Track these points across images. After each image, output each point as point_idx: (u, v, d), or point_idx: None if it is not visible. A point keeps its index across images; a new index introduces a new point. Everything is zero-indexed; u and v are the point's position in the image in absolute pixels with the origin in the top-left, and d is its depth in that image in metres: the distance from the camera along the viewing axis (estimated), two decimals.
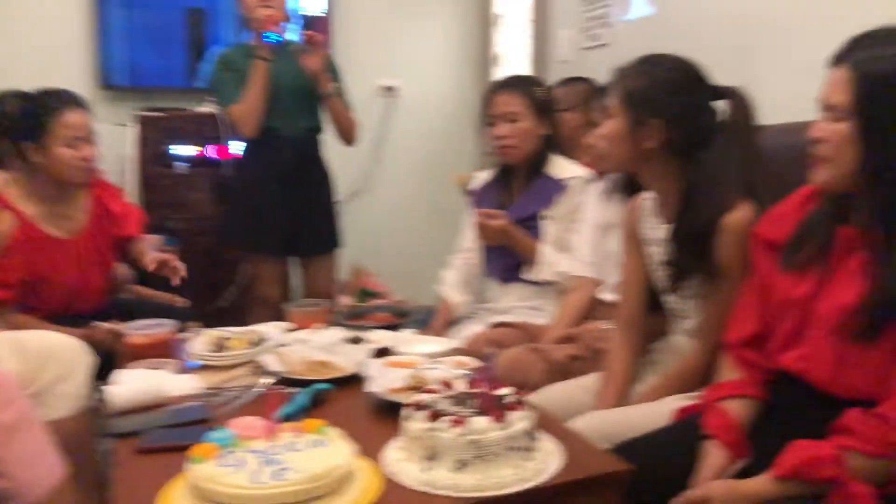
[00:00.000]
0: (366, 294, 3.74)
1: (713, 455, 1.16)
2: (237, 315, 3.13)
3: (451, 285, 2.19)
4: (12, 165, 2.06)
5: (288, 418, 1.30)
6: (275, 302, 2.73)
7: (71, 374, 1.74)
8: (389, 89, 3.92)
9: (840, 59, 1.11)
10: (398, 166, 4.00)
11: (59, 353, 1.72)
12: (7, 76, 2.83)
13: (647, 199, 1.54)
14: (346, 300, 3.61)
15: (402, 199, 4.03)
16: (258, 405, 1.49)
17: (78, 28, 3.38)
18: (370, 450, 1.17)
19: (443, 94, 4.04)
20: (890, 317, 1.00)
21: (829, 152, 1.09)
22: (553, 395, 1.55)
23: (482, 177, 2.28)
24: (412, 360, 1.64)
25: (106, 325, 1.97)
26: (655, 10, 2.60)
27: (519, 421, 1.08)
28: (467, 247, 2.25)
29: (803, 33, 2.01)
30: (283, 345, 1.82)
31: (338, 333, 1.88)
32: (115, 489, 1.20)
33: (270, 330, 1.93)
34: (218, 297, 3.23)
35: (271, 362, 1.67)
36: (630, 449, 1.19)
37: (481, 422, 1.06)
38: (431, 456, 1.07)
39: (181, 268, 2.20)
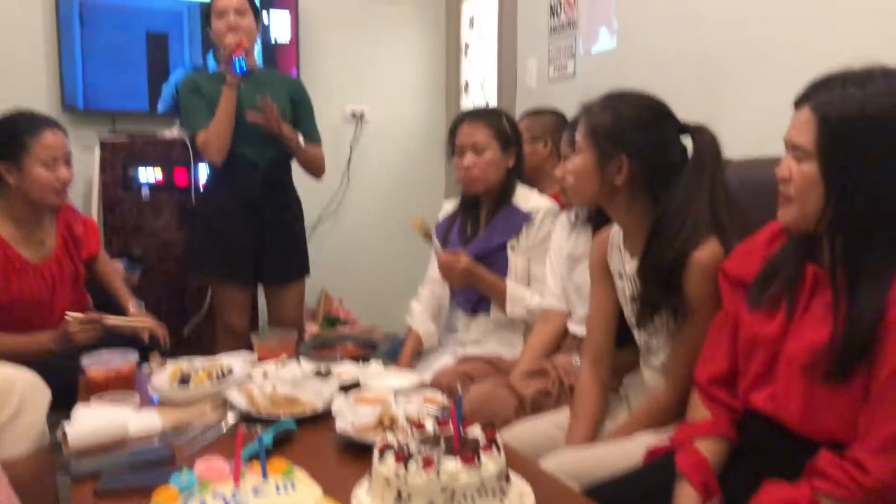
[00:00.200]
0: (332, 321, 3.72)
1: (685, 495, 1.15)
2: (202, 343, 3.09)
3: (419, 316, 2.17)
4: None
5: (253, 458, 1.27)
6: (240, 330, 2.69)
7: (28, 410, 1.69)
8: (357, 115, 3.93)
9: (803, 100, 1.13)
10: (365, 192, 3.99)
11: (15, 389, 1.67)
12: None
13: (615, 231, 1.55)
14: (312, 327, 3.59)
15: (370, 225, 4.03)
16: (223, 444, 1.46)
17: (41, 51, 3.33)
18: (338, 491, 1.14)
19: (410, 121, 4.06)
20: (857, 358, 1.01)
21: (795, 192, 1.11)
22: (524, 431, 1.54)
23: (448, 207, 2.28)
24: (381, 396, 1.62)
25: (79, 314, 1.93)
26: (619, 44, 2.64)
27: (491, 463, 1.07)
28: (434, 277, 2.24)
29: (763, 69, 2.06)
30: (248, 378, 1.79)
31: (305, 366, 1.85)
32: None
33: (235, 362, 1.89)
34: (182, 325, 3.17)
35: (236, 398, 1.63)
36: (602, 491, 1.19)
37: (453, 464, 1.04)
38: (402, 499, 1.05)
39: (162, 335, 2.22)
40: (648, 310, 1.41)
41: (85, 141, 3.21)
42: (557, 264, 1.93)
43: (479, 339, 2.07)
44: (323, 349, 2.09)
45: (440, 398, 1.63)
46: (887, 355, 0.99)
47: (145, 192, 3.21)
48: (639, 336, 1.51)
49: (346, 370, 1.88)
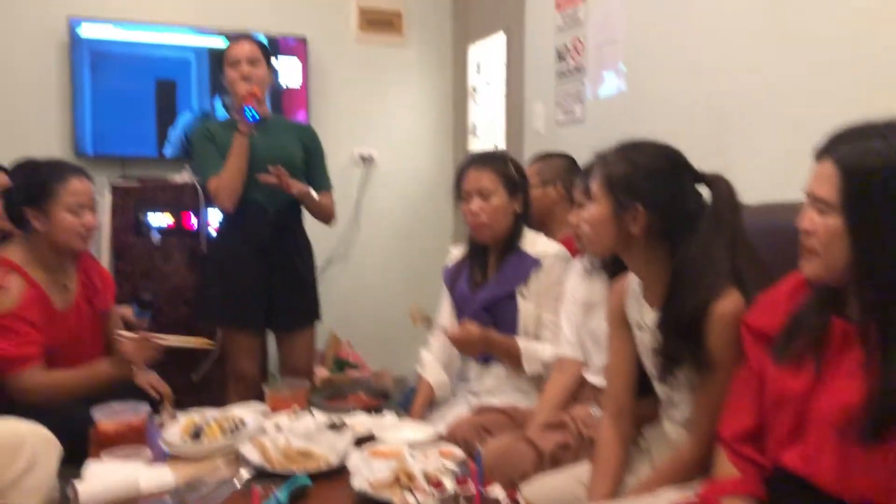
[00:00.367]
0: (341, 364, 3.69)
1: None
2: (211, 388, 3.06)
3: (430, 366, 2.14)
4: (15, 232, 2.07)
5: None
6: (251, 375, 2.67)
7: (39, 466, 1.67)
8: (366, 158, 3.95)
9: (824, 152, 1.13)
10: (374, 235, 4.00)
11: (27, 444, 1.65)
12: None
13: (632, 281, 1.54)
14: (321, 370, 3.56)
15: (378, 268, 4.03)
16: (236, 500, 1.44)
17: (54, 98, 3.37)
18: None
19: (418, 164, 4.08)
20: (894, 419, 0.98)
21: (818, 245, 1.10)
22: (544, 487, 1.50)
23: (455, 253, 2.27)
24: (396, 449, 1.59)
25: (131, 333, 1.95)
26: (628, 88, 2.66)
27: None
28: (445, 325, 2.22)
29: (774, 113, 2.06)
30: (261, 431, 1.77)
31: (318, 418, 1.83)
32: None
33: (248, 413, 1.87)
34: (191, 370, 3.15)
35: (250, 452, 1.61)
36: None
37: None
38: None
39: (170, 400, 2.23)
40: (670, 363, 1.38)
41: (95, 186, 3.22)
42: (572, 312, 1.91)
43: (493, 388, 2.04)
44: (335, 399, 2.07)
45: (457, 452, 1.60)
46: None
47: (156, 236, 3.22)
48: (660, 388, 1.49)
49: (360, 422, 1.86)
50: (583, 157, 2.54)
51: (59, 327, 2.07)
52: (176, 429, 1.76)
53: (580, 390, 1.87)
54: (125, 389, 2.11)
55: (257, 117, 2.47)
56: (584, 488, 1.49)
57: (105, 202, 3.13)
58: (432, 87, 4.09)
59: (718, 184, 1.42)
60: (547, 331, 2.04)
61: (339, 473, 1.53)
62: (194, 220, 3.27)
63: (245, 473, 1.55)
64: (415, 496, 1.13)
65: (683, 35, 2.38)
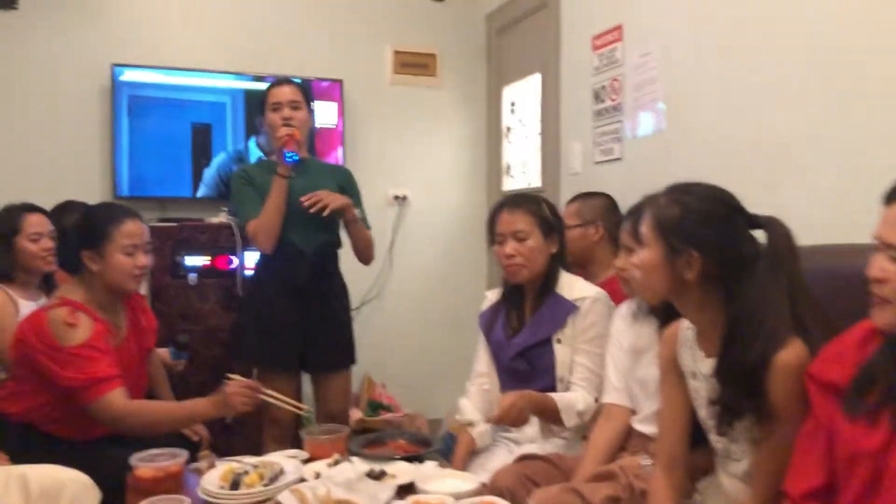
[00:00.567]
0: (375, 406, 3.64)
1: None
2: (246, 430, 3.03)
3: (470, 415, 2.08)
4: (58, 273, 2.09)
5: None
6: (286, 418, 2.63)
7: None
8: (400, 199, 3.95)
9: (895, 196, 1.08)
10: (408, 276, 3.98)
11: (66, 491, 1.64)
12: (27, 188, 2.86)
13: (685, 328, 1.49)
14: (355, 413, 3.51)
15: (412, 309, 4.00)
16: None
17: (94, 141, 3.44)
18: None
19: (452, 204, 4.08)
20: None
21: (892, 294, 1.05)
22: None
23: (491, 297, 2.23)
24: (440, 500, 1.54)
25: (240, 378, 1.96)
26: (668, 126, 2.63)
27: None
28: (481, 371, 2.17)
29: (827, 151, 2.01)
30: (301, 480, 1.73)
31: (358, 467, 1.78)
32: None
33: (286, 461, 1.83)
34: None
35: (289, 502, 1.57)
36: None
37: None
38: None
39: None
40: (729, 415, 1.32)
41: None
42: (619, 358, 1.85)
43: (535, 437, 1.98)
44: (374, 446, 2.02)
45: None
46: None
47: (192, 277, 3.23)
48: (716, 440, 1.43)
49: (401, 470, 1.82)
50: (622, 197, 2.53)
51: (116, 363, 2.07)
52: (214, 476, 1.73)
53: (628, 439, 1.80)
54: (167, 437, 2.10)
55: (296, 159, 2.48)
56: None
57: None
58: (466, 127, 4.10)
59: (774, 227, 1.38)
60: (578, 375, 1.98)
61: None
62: (231, 261, 3.29)
63: None
64: None
65: (725, 72, 2.36)
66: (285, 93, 2.56)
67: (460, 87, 4.07)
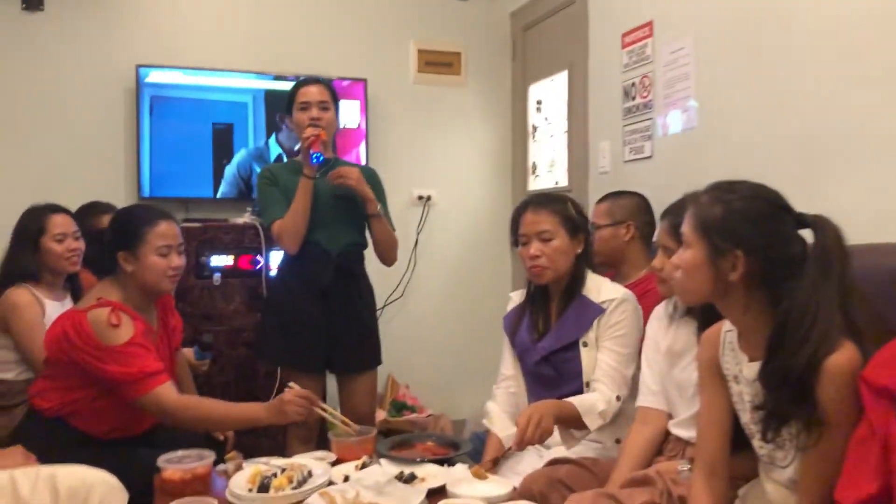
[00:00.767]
0: (399, 406, 3.62)
1: None
2: (270, 431, 3.01)
3: (498, 419, 2.04)
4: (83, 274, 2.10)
5: None
6: (312, 420, 2.60)
7: None
8: (424, 199, 3.92)
9: None
10: (432, 276, 3.95)
11: (94, 492, 1.63)
12: (53, 188, 2.87)
13: (727, 330, 1.44)
14: (379, 413, 3.49)
15: (437, 310, 3.97)
16: None
17: (119, 143, 3.45)
18: None
19: (477, 204, 4.04)
20: None
21: None
22: None
23: (515, 298, 2.18)
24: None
25: (298, 388, 1.96)
26: (700, 124, 2.57)
27: None
28: (507, 374, 2.13)
29: (870, 146, 1.95)
30: (329, 482, 1.70)
31: (387, 469, 1.75)
32: None
33: (314, 464, 1.81)
34: None
35: None
36: None
37: None
38: None
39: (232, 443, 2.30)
40: (775, 420, 1.28)
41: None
42: (655, 360, 1.81)
43: (566, 441, 1.93)
44: (402, 448, 1.99)
45: None
46: None
47: (217, 277, 3.22)
48: (760, 446, 1.38)
49: (430, 473, 1.79)
50: (653, 196, 2.48)
51: None
52: (242, 479, 1.71)
53: (664, 443, 1.76)
54: (183, 429, 2.09)
55: (322, 159, 2.45)
56: None
57: None
58: (491, 126, 4.06)
59: (823, 226, 1.32)
60: (599, 372, 1.93)
61: None
62: (255, 262, 3.27)
63: None
64: None
65: (760, 68, 2.30)
66: (314, 93, 2.53)
67: (485, 86, 4.04)
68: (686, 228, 1.39)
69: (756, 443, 1.39)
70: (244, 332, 3.22)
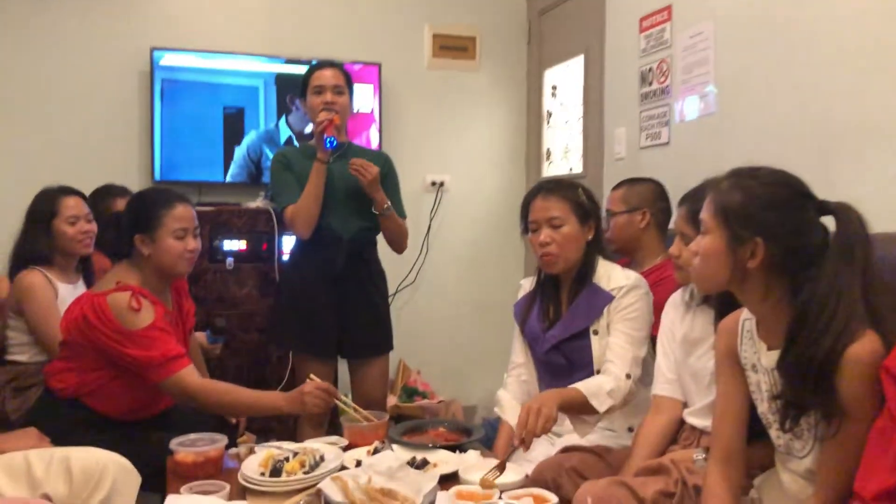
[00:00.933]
0: (410, 392, 3.62)
1: None
2: (282, 416, 3.02)
3: (509, 406, 2.02)
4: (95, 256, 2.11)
5: None
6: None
7: (118, 496, 1.65)
8: (437, 184, 3.90)
9: None
10: (445, 262, 3.94)
11: (107, 474, 1.63)
12: (68, 172, 2.88)
13: (746, 318, 1.42)
14: (390, 398, 3.49)
15: (449, 296, 3.96)
16: None
17: (132, 126, 3.44)
18: None
19: (490, 190, 4.02)
20: None
21: None
22: None
23: (526, 285, 2.16)
24: (485, 493, 1.50)
25: (319, 380, 1.96)
26: (719, 110, 2.54)
27: None
28: (519, 362, 2.12)
29: (888, 137, 1.92)
30: (341, 467, 1.70)
31: (399, 455, 1.75)
32: None
33: (327, 449, 1.80)
34: None
35: (332, 491, 1.53)
36: None
37: None
38: None
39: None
40: (794, 410, 1.26)
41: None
42: (670, 348, 1.78)
43: (578, 429, 1.92)
44: (414, 433, 1.98)
45: (550, 497, 1.50)
46: None
47: (230, 262, 3.22)
48: (777, 436, 1.36)
49: (442, 459, 1.78)
50: (669, 182, 2.45)
51: None
52: (254, 462, 1.71)
53: (679, 432, 1.74)
54: (196, 412, 2.09)
55: (335, 145, 2.44)
56: None
57: None
58: (506, 111, 4.03)
59: (846, 213, 1.29)
60: (610, 354, 1.90)
61: None
62: (267, 246, 3.27)
63: None
64: None
65: (780, 54, 2.26)
66: (328, 76, 2.51)
67: (500, 71, 4.00)
68: (705, 214, 1.37)
69: (773, 432, 1.37)
70: (257, 317, 3.22)
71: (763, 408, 1.38)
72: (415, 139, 3.86)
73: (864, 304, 1.23)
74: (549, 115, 3.80)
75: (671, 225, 2.20)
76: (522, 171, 4.03)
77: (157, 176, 3.37)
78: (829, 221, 1.32)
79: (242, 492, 1.62)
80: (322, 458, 1.73)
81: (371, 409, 2.10)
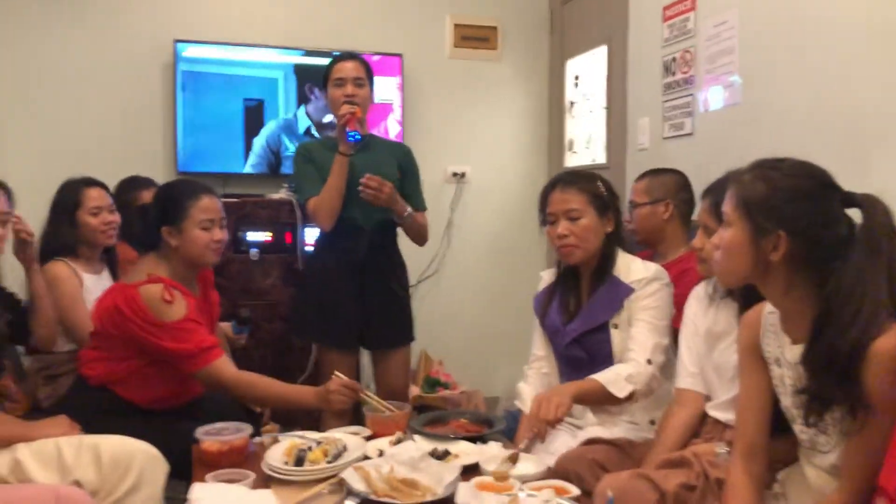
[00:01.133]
0: (432, 383, 3.63)
1: None
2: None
3: (529, 398, 2.02)
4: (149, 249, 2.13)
5: None
6: None
7: (146, 484, 1.69)
8: (459, 175, 3.90)
9: None
10: (466, 253, 3.94)
11: (136, 462, 1.67)
12: (93, 163, 2.91)
13: (769, 312, 1.41)
14: (413, 389, 3.51)
15: (470, 287, 3.97)
16: None
17: (156, 118, 3.48)
18: None
19: (512, 181, 4.01)
20: None
21: None
22: None
23: (546, 278, 2.16)
24: (506, 485, 1.51)
25: (344, 377, 1.98)
26: (743, 100, 2.50)
27: None
28: (539, 355, 2.12)
29: None
30: (364, 457, 1.72)
31: (421, 445, 1.76)
32: None
33: (349, 439, 1.82)
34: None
35: (354, 480, 1.55)
36: None
37: None
38: None
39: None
40: (818, 405, 1.25)
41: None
42: (694, 341, 1.78)
43: (603, 421, 1.92)
44: (436, 424, 1.99)
45: (572, 489, 1.51)
46: None
47: (254, 252, 3.25)
48: (802, 430, 1.35)
49: (464, 450, 1.79)
50: (693, 173, 2.43)
51: None
52: (278, 452, 1.73)
53: (701, 426, 1.73)
54: (222, 402, 2.12)
55: (358, 138, 2.45)
56: None
57: None
58: (527, 102, 4.01)
59: (872, 205, 1.28)
60: (632, 343, 1.89)
61: None
62: (291, 237, 3.30)
63: (350, 501, 1.49)
64: None
65: (807, 43, 2.23)
66: (349, 68, 2.52)
67: (522, 61, 3.98)
68: (727, 207, 1.36)
69: (797, 427, 1.37)
70: (280, 307, 3.25)
71: (787, 402, 1.38)
72: (436, 130, 3.86)
73: (891, 298, 1.21)
74: (572, 105, 3.78)
75: (694, 217, 2.19)
76: (544, 161, 4.02)
77: (181, 167, 3.41)
78: (854, 213, 1.31)
79: (267, 480, 1.65)
80: (345, 448, 1.75)
81: (393, 400, 2.12)
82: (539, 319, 2.11)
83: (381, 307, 2.62)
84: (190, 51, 3.40)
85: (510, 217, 3.99)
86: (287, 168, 3.49)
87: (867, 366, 1.18)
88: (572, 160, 3.78)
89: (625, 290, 1.94)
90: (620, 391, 1.80)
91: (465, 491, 1.48)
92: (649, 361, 1.86)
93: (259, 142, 3.52)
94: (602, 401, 1.84)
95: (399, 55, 3.68)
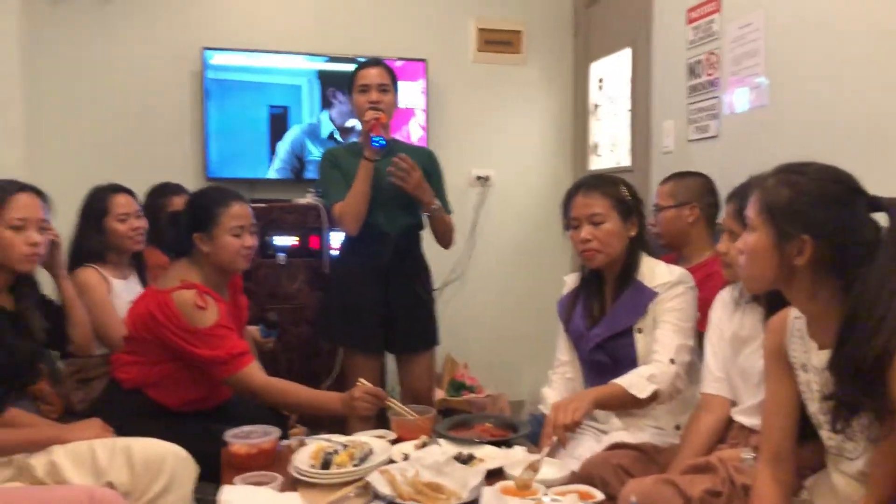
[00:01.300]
0: (457, 386, 3.64)
1: None
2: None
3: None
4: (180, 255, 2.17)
5: None
6: None
7: (176, 487, 1.72)
8: (483, 179, 3.91)
9: None
10: (490, 256, 3.95)
11: (167, 464, 1.70)
12: (124, 170, 2.97)
13: (795, 317, 1.40)
14: (438, 392, 3.53)
15: (494, 290, 3.97)
16: None
17: (185, 125, 3.54)
18: None
19: (536, 184, 4.01)
20: None
21: None
22: None
23: (570, 282, 2.15)
24: (532, 490, 1.52)
25: (369, 384, 2.01)
26: (770, 103, 2.48)
27: None
28: (564, 359, 2.12)
29: None
30: (389, 461, 1.74)
31: (445, 448, 1.78)
32: None
33: (375, 442, 1.84)
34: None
35: (380, 483, 1.57)
36: None
37: None
38: None
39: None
40: (845, 411, 1.24)
41: None
42: (720, 347, 1.77)
43: (627, 425, 1.92)
44: (461, 428, 2.01)
45: (597, 494, 1.51)
46: None
47: (281, 257, 3.29)
48: (829, 436, 1.34)
49: (488, 454, 1.80)
50: (718, 177, 2.41)
51: None
52: (305, 455, 1.76)
53: (727, 431, 1.72)
54: (251, 404, 2.16)
55: (383, 143, 2.47)
56: None
57: None
58: (552, 105, 4.01)
59: None
60: (656, 343, 1.88)
61: None
62: (317, 241, 3.33)
63: None
64: None
65: (835, 45, 2.20)
66: (374, 75, 2.55)
67: (546, 64, 3.98)
68: (751, 212, 1.35)
69: (824, 433, 1.36)
70: (307, 311, 3.28)
71: (814, 408, 1.37)
72: (460, 134, 3.87)
73: None
74: (596, 108, 3.77)
75: (719, 220, 2.18)
76: (569, 165, 4.01)
77: (210, 173, 3.46)
78: (881, 218, 1.30)
79: (294, 483, 1.67)
80: (371, 452, 1.77)
81: (418, 403, 2.14)
82: (563, 324, 2.12)
83: (406, 311, 2.65)
84: (217, 58, 3.46)
85: (534, 220, 3.99)
86: (311, 173, 3.53)
87: (894, 372, 1.17)
88: (596, 163, 3.77)
89: (649, 295, 1.94)
90: (642, 392, 1.80)
91: (489, 495, 1.49)
92: (672, 361, 1.85)
93: (283, 147, 3.57)
94: (625, 404, 1.84)
95: (423, 60, 3.71)
